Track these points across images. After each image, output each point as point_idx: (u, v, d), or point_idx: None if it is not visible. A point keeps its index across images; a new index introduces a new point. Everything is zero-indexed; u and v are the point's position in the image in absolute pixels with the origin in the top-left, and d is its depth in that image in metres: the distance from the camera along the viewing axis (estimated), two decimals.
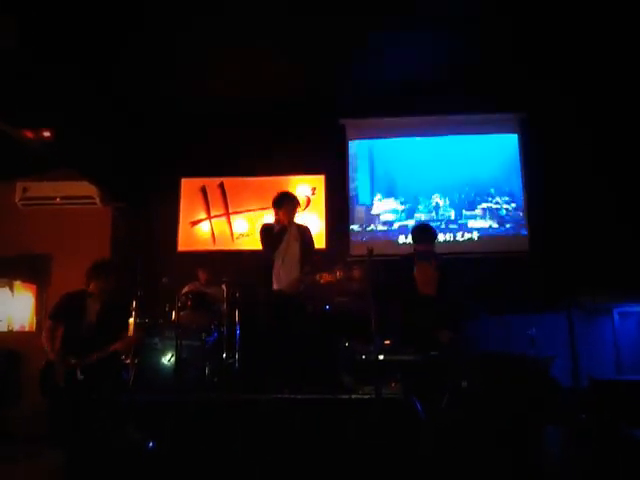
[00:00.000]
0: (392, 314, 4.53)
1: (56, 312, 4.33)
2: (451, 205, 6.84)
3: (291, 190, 6.79)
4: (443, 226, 6.74)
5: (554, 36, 5.68)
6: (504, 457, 3.55)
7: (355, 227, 6.88)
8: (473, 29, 5.55)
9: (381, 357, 3.92)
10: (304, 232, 5.19)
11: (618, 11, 5.23)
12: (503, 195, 6.77)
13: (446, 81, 6.39)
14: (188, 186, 7.23)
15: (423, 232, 5.04)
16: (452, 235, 6.80)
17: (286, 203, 5.05)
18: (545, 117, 6.71)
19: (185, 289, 5.71)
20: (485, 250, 6.67)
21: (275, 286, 5.01)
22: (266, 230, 5.14)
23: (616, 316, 5.72)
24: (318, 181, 7.12)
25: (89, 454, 3.67)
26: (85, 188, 6.83)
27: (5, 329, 6.82)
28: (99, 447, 3.72)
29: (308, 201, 7.04)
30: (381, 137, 7.18)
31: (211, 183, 7.20)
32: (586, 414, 4.03)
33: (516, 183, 6.78)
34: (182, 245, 7.07)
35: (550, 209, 6.56)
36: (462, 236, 6.79)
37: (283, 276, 4.98)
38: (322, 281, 4.74)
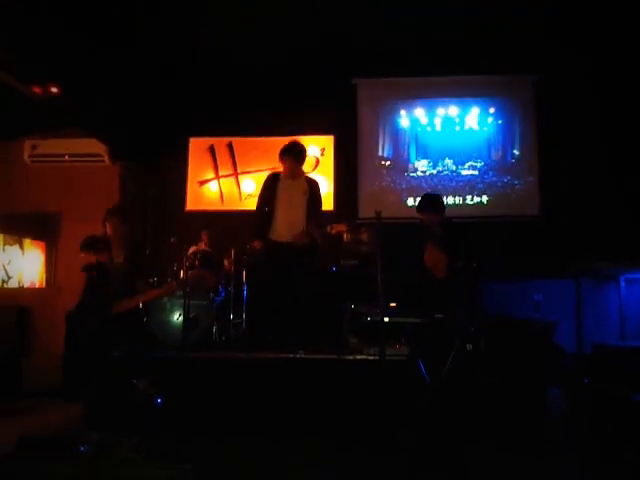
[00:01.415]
0: (400, 279, 4.54)
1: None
2: (453, 163, 6.91)
3: None
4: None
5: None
6: (507, 418, 3.61)
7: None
8: None
9: (386, 319, 3.95)
10: (313, 186, 5.15)
11: None
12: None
13: (459, 41, 6.24)
14: (196, 145, 7.19)
15: (425, 201, 5.05)
16: (462, 199, 6.77)
17: (287, 155, 5.03)
18: (559, 80, 6.57)
19: (192, 248, 5.73)
20: (494, 214, 6.64)
21: (273, 236, 4.97)
22: (265, 180, 5.19)
23: (622, 283, 5.73)
24: (327, 141, 7.05)
25: (103, 406, 3.75)
26: (94, 145, 6.81)
27: (16, 285, 6.92)
28: (114, 400, 3.80)
29: (317, 162, 6.99)
30: (393, 98, 7.07)
31: (219, 143, 7.16)
32: (589, 379, 4.07)
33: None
34: (190, 204, 7.08)
35: (560, 174, 6.49)
36: (472, 199, 6.76)
37: (285, 228, 4.95)
38: (333, 232, 4.74)
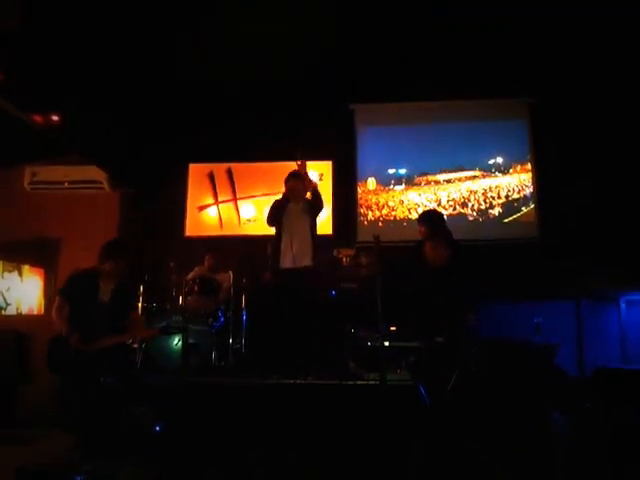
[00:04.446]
0: (402, 297, 4.52)
1: (67, 289, 4.15)
2: (451, 186, 6.97)
3: None
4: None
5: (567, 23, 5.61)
6: (508, 442, 3.57)
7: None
8: None
9: (386, 343, 3.93)
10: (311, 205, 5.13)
11: None
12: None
13: (455, 66, 6.33)
14: (196, 171, 7.24)
15: (422, 213, 5.12)
16: (461, 220, 6.78)
17: (291, 180, 5.07)
18: (555, 102, 6.64)
19: (191, 274, 5.73)
20: (493, 237, 6.65)
21: (282, 264, 4.94)
22: (272, 204, 5.19)
23: (623, 304, 5.71)
24: (326, 167, 7.10)
25: (99, 434, 3.71)
26: (93, 172, 6.85)
27: (14, 312, 6.89)
28: (109, 428, 3.75)
29: None
30: (390, 122, 7.15)
31: (219, 168, 7.21)
32: (591, 402, 4.04)
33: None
34: (190, 230, 7.09)
35: (559, 196, 6.52)
36: (471, 221, 6.78)
37: (293, 251, 4.91)
38: (340, 256, 4.73)
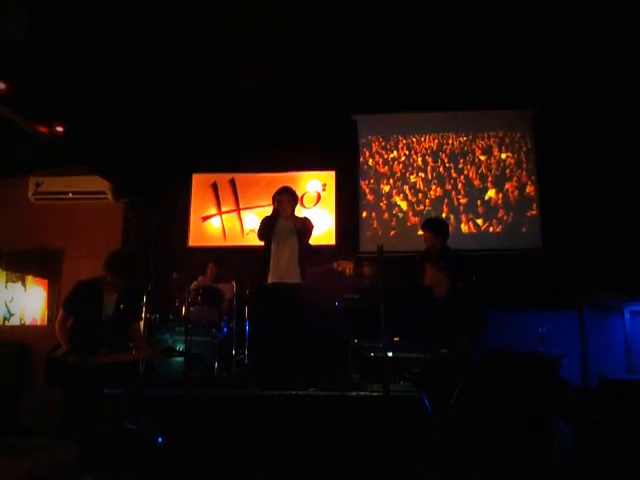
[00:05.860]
0: (404, 312, 4.50)
1: (71, 302, 4.08)
2: (455, 198, 6.95)
3: (301, 186, 6.85)
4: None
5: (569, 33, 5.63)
6: (511, 453, 3.54)
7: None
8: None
9: (390, 354, 3.91)
10: (301, 223, 5.12)
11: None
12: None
13: (458, 77, 6.34)
14: (199, 182, 7.25)
15: (427, 220, 5.11)
16: (464, 232, 6.78)
17: (278, 196, 5.05)
18: (559, 114, 6.65)
19: (194, 284, 5.72)
20: (497, 247, 6.64)
21: (269, 279, 4.94)
22: (262, 220, 5.18)
23: (627, 314, 5.68)
24: (329, 177, 7.11)
25: (99, 446, 3.69)
26: (97, 183, 6.88)
27: (18, 323, 6.89)
28: (110, 439, 3.73)
29: (318, 197, 7.04)
30: (392, 133, 7.16)
31: (222, 179, 7.22)
32: (595, 413, 4.02)
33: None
34: (193, 240, 7.10)
35: (562, 206, 6.51)
36: (474, 233, 6.77)
37: (279, 268, 4.92)
38: (339, 269, 4.72)
